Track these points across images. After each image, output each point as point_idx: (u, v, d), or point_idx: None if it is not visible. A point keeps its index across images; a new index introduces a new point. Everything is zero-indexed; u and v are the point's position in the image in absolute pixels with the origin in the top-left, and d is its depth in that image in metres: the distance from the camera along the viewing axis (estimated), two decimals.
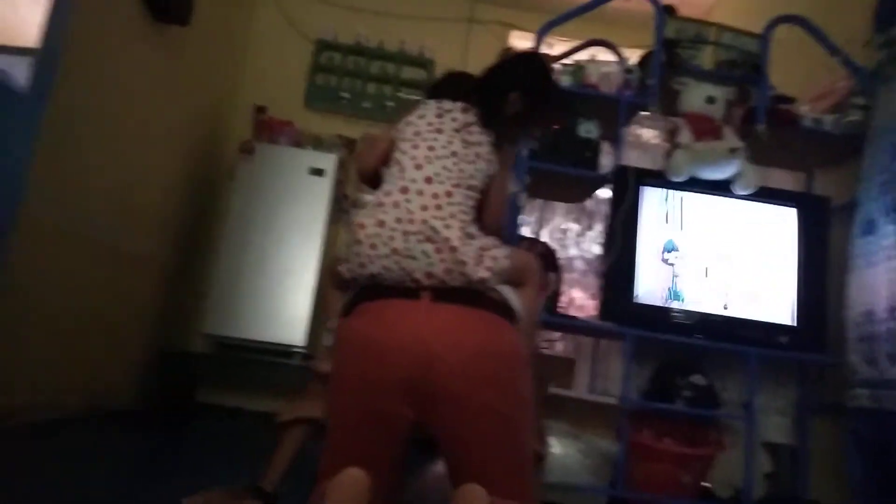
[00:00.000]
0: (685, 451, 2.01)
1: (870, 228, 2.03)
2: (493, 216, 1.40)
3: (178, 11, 3.10)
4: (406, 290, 1.21)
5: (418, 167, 1.29)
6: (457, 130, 1.34)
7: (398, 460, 1.26)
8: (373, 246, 1.23)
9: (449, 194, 1.25)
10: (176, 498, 1.57)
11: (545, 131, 2.24)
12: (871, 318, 1.97)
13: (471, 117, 1.38)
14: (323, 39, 4.35)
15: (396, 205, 1.25)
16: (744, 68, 2.31)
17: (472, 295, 1.22)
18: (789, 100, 2.36)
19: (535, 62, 1.57)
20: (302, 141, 3.90)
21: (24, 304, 2.31)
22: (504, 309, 1.26)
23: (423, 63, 4.36)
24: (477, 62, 4.41)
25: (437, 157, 1.30)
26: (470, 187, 1.30)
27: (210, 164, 4.01)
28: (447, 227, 1.21)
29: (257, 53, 4.39)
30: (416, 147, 1.32)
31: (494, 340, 1.21)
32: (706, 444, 2.07)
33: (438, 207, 1.23)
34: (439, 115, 1.37)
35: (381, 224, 1.23)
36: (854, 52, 2.34)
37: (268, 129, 3.87)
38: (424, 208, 1.23)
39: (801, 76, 2.64)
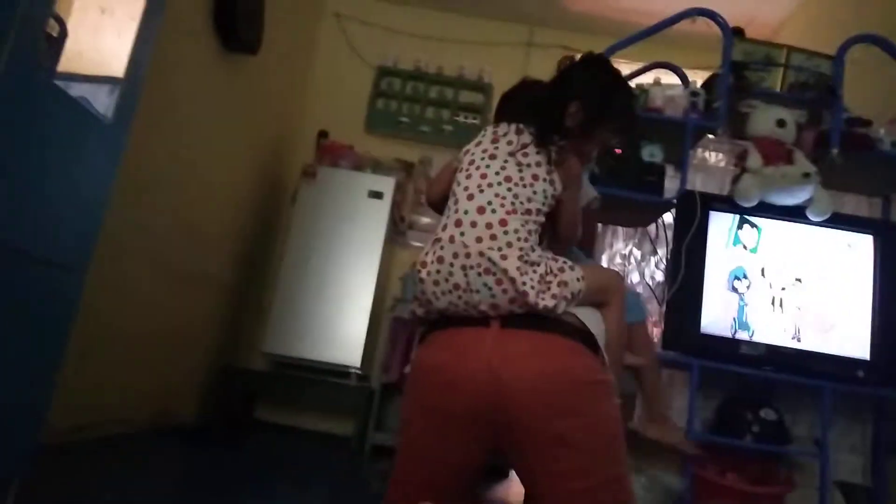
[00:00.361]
0: (752, 489, 1.92)
1: None
2: (567, 235, 1.38)
3: (248, 40, 3.23)
4: (475, 319, 1.19)
5: (470, 197, 1.25)
6: (511, 154, 1.29)
7: (465, 492, 1.24)
8: (436, 283, 1.22)
9: (503, 223, 1.21)
10: None
11: (607, 151, 2.21)
12: None
13: (526, 138, 1.31)
14: (384, 66, 4.44)
15: (452, 239, 1.22)
16: (816, 90, 2.23)
17: (542, 321, 1.18)
18: (865, 122, 2.26)
19: (593, 65, 1.41)
20: (362, 164, 3.97)
21: (98, 323, 2.42)
22: (580, 334, 1.20)
23: (481, 87, 4.39)
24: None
25: (490, 184, 1.26)
26: (527, 212, 1.24)
27: (274, 187, 4.14)
28: (504, 257, 1.18)
29: (321, 79, 4.53)
30: (469, 177, 1.29)
31: (568, 367, 1.16)
32: (775, 483, 1.96)
33: (493, 238, 1.19)
34: (494, 140, 1.33)
35: (441, 261, 1.22)
36: None
37: (329, 153, 3.96)
38: (479, 240, 1.20)
39: (877, 97, 2.53)
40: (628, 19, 4.15)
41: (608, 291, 1.29)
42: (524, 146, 1.30)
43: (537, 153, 1.29)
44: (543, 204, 1.27)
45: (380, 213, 3.69)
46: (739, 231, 2.14)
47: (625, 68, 2.97)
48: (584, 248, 1.70)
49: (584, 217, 1.44)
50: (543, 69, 4.40)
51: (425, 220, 4.23)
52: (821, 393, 1.97)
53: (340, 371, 3.53)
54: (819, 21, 3.60)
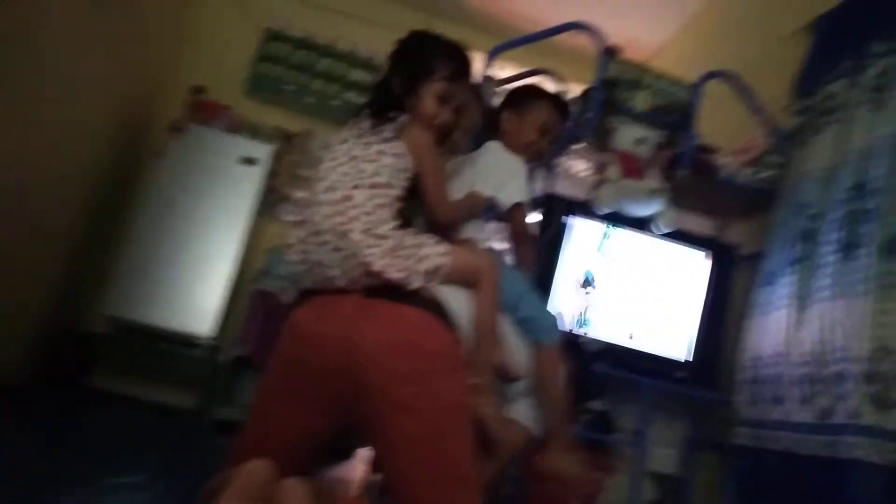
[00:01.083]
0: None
1: (770, 279, 2.17)
2: (433, 213, 1.39)
3: None
4: (340, 291, 1.25)
5: (322, 180, 1.31)
6: (358, 136, 1.35)
7: (305, 463, 1.25)
8: (300, 262, 1.28)
9: (348, 198, 1.24)
10: (51, 481, 1.47)
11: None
12: (760, 362, 2.09)
13: (368, 119, 1.38)
14: (273, 29, 4.27)
15: (308, 220, 1.28)
16: (675, 115, 2.42)
17: (398, 293, 1.23)
18: (712, 150, 2.49)
19: (404, 38, 1.49)
20: (237, 127, 3.80)
21: None
22: (435, 308, 1.25)
23: (372, 68, 4.34)
24: None
25: (337, 165, 1.31)
26: (374, 185, 1.26)
27: (139, 138, 3.84)
28: (349, 231, 1.22)
29: (203, 33, 4.26)
30: (322, 163, 1.35)
31: (414, 336, 1.21)
32: (599, 469, 2.12)
33: (340, 213, 1.23)
34: (349, 129, 1.40)
35: (302, 241, 1.28)
36: (775, 114, 2.50)
37: (203, 110, 3.75)
38: (328, 217, 1.25)
39: (728, 129, 2.80)
40: (521, 25, 4.29)
41: (478, 273, 1.33)
42: (369, 127, 1.36)
43: (381, 130, 1.34)
44: (393, 177, 1.29)
45: (251, 180, 3.55)
46: (594, 236, 2.29)
47: (509, 71, 3.07)
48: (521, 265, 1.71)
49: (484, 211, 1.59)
50: None
51: (303, 193, 4.13)
52: (642, 388, 2.16)
53: (188, 341, 3.35)
54: (692, 50, 3.92)
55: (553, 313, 1.61)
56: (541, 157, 1.82)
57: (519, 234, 1.70)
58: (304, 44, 4.28)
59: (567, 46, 3.73)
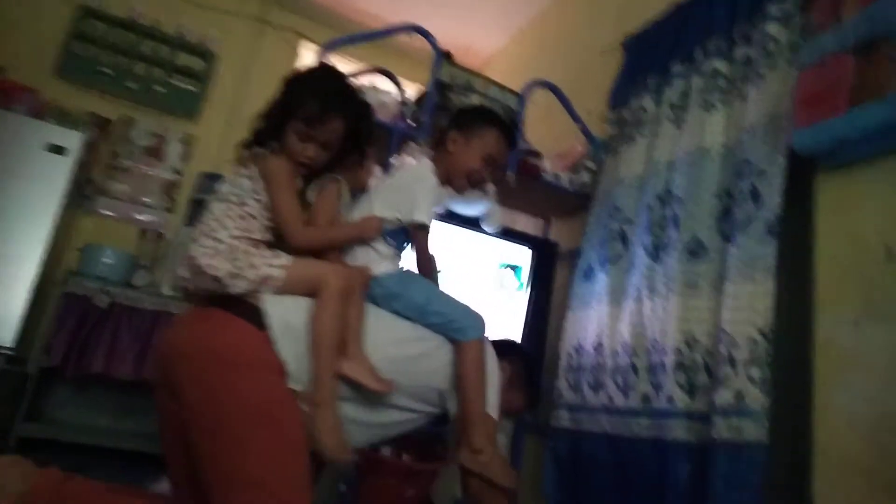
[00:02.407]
0: (409, 465, 2.11)
1: (588, 275, 2.37)
2: (285, 235, 1.39)
3: None
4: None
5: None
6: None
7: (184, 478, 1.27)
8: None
9: (210, 209, 1.36)
10: None
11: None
12: (580, 351, 2.28)
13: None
14: (88, 5, 3.87)
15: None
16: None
17: (217, 296, 1.27)
18: (537, 154, 2.67)
19: (293, 74, 1.50)
20: (43, 112, 3.39)
21: None
22: (249, 312, 1.26)
23: (203, 53, 4.10)
24: (265, 66, 4.32)
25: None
26: (227, 200, 1.37)
27: None
28: (196, 237, 1.32)
29: (4, 5, 3.75)
30: None
31: (203, 336, 1.22)
32: (432, 459, 2.19)
33: (200, 222, 1.36)
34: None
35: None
36: (592, 123, 2.74)
37: (1, 92, 3.30)
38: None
39: (551, 135, 3.01)
40: (361, 20, 4.28)
41: (318, 285, 1.32)
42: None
43: (246, 154, 1.44)
44: (245, 194, 1.37)
45: (60, 171, 3.18)
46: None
47: (347, 68, 3.04)
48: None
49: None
50: (274, 49, 4.32)
51: (121, 186, 3.80)
52: None
53: None
54: (521, 60, 4.16)
55: (473, 311, 1.54)
56: (478, 186, 1.77)
57: (421, 254, 1.65)
58: (124, 23, 3.93)
59: (406, 47, 3.80)
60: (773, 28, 1.90)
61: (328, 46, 2.28)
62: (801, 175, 1.75)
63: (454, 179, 1.70)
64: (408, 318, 1.50)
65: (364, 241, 1.54)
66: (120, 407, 3.42)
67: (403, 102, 2.40)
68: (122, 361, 3.10)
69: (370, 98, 2.30)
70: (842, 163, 1.66)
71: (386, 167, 2.42)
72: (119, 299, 3.17)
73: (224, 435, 1.15)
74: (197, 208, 3.46)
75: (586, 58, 3.19)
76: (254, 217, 1.37)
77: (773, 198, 1.72)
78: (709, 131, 2.05)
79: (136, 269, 3.38)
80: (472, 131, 1.71)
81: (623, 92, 2.63)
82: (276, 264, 1.33)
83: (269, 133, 1.42)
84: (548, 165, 2.63)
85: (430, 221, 1.57)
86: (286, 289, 1.32)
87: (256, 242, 1.36)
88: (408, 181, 1.62)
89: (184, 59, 4.06)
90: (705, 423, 1.68)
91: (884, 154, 1.57)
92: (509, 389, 1.77)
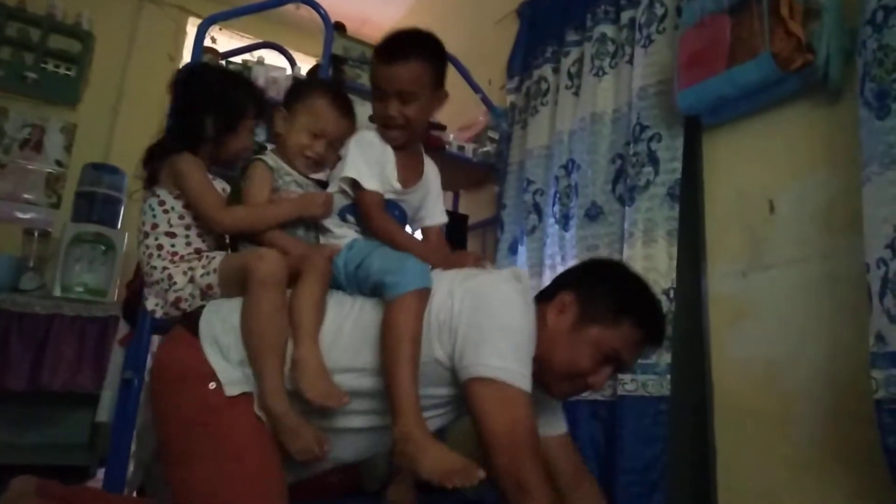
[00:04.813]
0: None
1: (512, 249, 2.37)
2: (205, 218, 1.33)
3: None
4: None
5: None
6: None
7: None
8: None
9: (142, 261, 1.37)
10: None
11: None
12: None
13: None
14: None
15: None
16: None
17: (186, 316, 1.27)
18: (441, 127, 2.63)
19: None
20: None
21: None
22: (191, 322, 1.22)
23: (77, 34, 3.78)
24: (146, 45, 4.05)
25: None
26: (143, 238, 1.35)
27: None
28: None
29: None
30: None
31: (157, 355, 1.23)
32: None
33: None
34: None
35: None
36: (493, 93, 2.73)
37: None
38: None
39: (453, 109, 2.98)
40: None
41: (243, 273, 1.20)
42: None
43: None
44: (152, 217, 1.36)
45: None
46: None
47: (234, 42, 2.89)
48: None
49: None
50: (156, 26, 4.05)
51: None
52: None
53: None
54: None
55: (411, 263, 1.19)
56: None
57: (369, 222, 1.38)
58: None
59: (300, 20, 3.65)
60: None
61: (210, 21, 2.14)
62: (691, 134, 1.80)
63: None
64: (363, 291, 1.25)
65: (314, 220, 1.37)
66: (17, 421, 3.19)
67: (296, 78, 2.30)
68: (16, 372, 2.88)
69: (259, 74, 2.20)
70: (724, 121, 1.72)
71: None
72: (6, 305, 2.93)
73: (170, 452, 1.15)
74: (84, 202, 3.22)
75: (484, 27, 3.16)
76: (174, 234, 1.32)
77: (672, 162, 1.77)
78: (601, 97, 2.08)
79: (22, 271, 3.12)
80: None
81: (521, 60, 2.63)
82: (212, 268, 1.26)
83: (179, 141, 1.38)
84: (451, 138, 2.60)
85: (365, 179, 1.30)
86: (224, 290, 1.24)
87: (193, 254, 1.31)
88: (347, 145, 1.39)
89: (57, 42, 3.73)
90: (612, 381, 1.73)
91: (762, 110, 1.64)
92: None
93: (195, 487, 1.10)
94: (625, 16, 2.06)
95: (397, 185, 1.36)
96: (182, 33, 4.15)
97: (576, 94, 2.22)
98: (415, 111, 1.33)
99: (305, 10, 2.34)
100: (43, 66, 3.66)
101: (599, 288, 1.22)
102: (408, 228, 1.48)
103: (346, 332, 1.19)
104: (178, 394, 1.16)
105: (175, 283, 1.26)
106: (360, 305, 1.22)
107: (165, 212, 1.33)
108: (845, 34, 1.46)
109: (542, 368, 1.16)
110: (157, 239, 1.31)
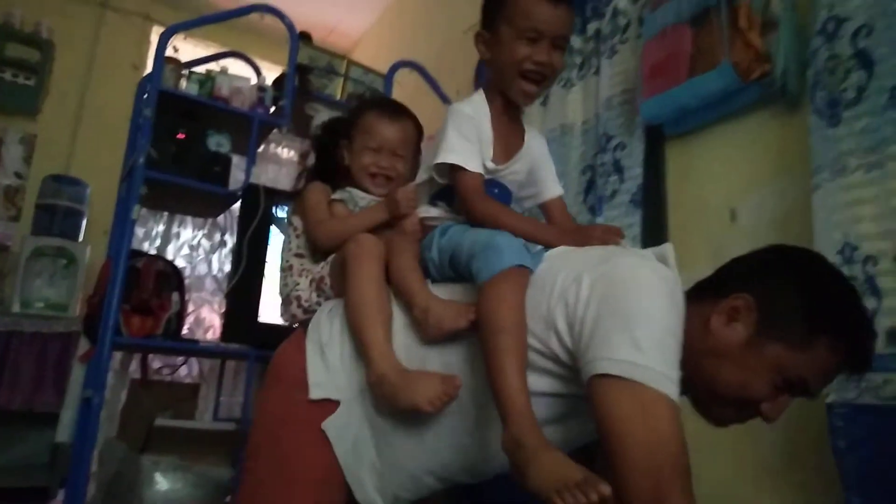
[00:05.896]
0: None
1: None
2: (308, 233, 1.36)
3: None
4: None
5: None
6: None
7: None
8: None
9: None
10: None
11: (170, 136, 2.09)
12: None
13: None
14: None
15: None
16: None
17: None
18: None
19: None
20: None
21: None
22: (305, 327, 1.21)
23: (37, 43, 3.69)
24: (109, 54, 3.98)
25: None
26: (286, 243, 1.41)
27: None
28: None
29: None
30: None
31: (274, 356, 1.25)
32: None
33: None
34: None
35: None
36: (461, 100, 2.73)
37: None
38: None
39: (423, 118, 2.97)
40: (218, 1, 4.03)
41: (346, 261, 1.17)
42: None
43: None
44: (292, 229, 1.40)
45: None
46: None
47: (200, 51, 2.85)
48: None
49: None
50: (120, 35, 3.98)
51: None
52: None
53: None
54: (389, 41, 4.08)
55: (498, 240, 1.01)
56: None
57: (463, 204, 1.21)
58: None
59: (266, 28, 3.62)
60: (621, 2, 1.96)
61: (171, 30, 2.11)
62: (655, 143, 1.82)
63: (509, 89, 1.16)
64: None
65: (402, 219, 1.24)
66: None
67: (261, 88, 2.28)
68: None
69: (223, 84, 2.18)
70: (686, 130, 1.74)
71: (248, 158, 2.30)
72: None
73: (248, 442, 1.12)
74: (45, 215, 3.14)
75: (451, 37, 3.17)
76: (302, 255, 1.35)
77: (634, 169, 1.79)
78: (570, 109, 2.09)
79: None
80: (495, 14, 1.18)
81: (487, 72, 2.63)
82: (326, 263, 1.28)
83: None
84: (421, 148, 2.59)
85: (465, 160, 1.11)
86: (334, 283, 1.24)
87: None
88: (440, 129, 1.21)
89: (15, 51, 3.62)
90: None
91: (723, 120, 1.66)
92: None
93: (245, 487, 1.11)
94: (591, 27, 2.08)
95: (490, 164, 1.16)
96: (146, 42, 4.08)
97: (544, 105, 2.24)
98: (561, 62, 1.14)
99: (271, 19, 2.32)
100: (0, 74, 3.57)
101: (788, 293, 0.91)
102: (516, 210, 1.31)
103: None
104: (269, 389, 1.14)
105: (298, 284, 1.29)
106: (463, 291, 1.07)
107: (297, 236, 1.36)
108: (801, 45, 1.49)
109: (696, 385, 0.93)
110: (288, 260, 1.35)
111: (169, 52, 2.14)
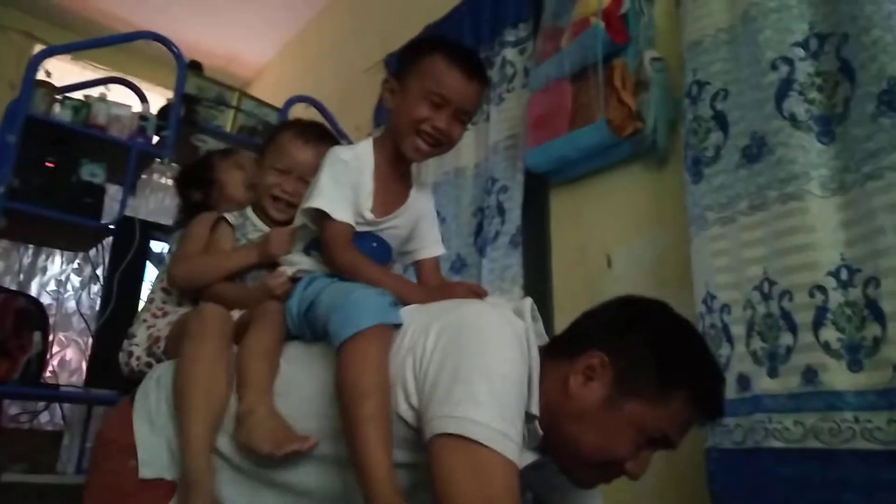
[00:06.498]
0: None
1: None
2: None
3: None
4: None
5: None
6: None
7: None
8: None
9: None
10: None
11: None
12: None
13: None
14: None
15: None
16: (264, 136, 2.44)
17: None
18: None
19: None
20: None
21: None
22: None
23: None
24: None
25: None
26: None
27: None
28: None
29: None
30: None
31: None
32: None
33: None
34: None
35: None
36: (361, 140, 2.71)
37: None
38: None
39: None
40: (109, 24, 3.84)
41: (184, 333, 1.05)
42: None
43: None
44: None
45: None
46: None
47: (87, 73, 2.69)
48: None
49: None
50: (2, 54, 3.71)
51: None
52: None
53: None
54: (291, 73, 4.03)
55: (359, 295, 0.96)
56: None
57: (328, 255, 1.16)
58: None
59: (159, 54, 3.48)
60: (509, 53, 2.03)
61: (44, 54, 1.98)
62: (539, 190, 1.88)
63: (402, 143, 1.11)
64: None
65: (273, 260, 1.16)
66: None
67: (143, 116, 2.17)
68: None
69: (100, 112, 2.06)
70: (568, 179, 1.81)
71: (124, 190, 2.17)
72: None
73: None
74: None
75: (352, 74, 3.17)
76: (168, 291, 1.26)
77: (514, 211, 1.84)
78: (464, 152, 2.13)
79: None
80: (409, 68, 1.12)
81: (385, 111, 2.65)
82: (168, 321, 1.18)
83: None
84: None
85: (333, 207, 1.05)
86: (170, 348, 1.12)
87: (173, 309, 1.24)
88: (319, 170, 1.14)
89: None
90: None
91: (600, 171, 1.75)
92: None
93: None
94: None
95: (368, 215, 1.11)
96: (26, 60, 3.81)
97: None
98: (459, 135, 1.12)
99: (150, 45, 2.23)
100: None
101: (639, 348, 0.90)
102: (397, 267, 1.30)
103: (299, 383, 0.98)
104: (99, 461, 1.02)
105: (135, 336, 1.18)
106: (321, 352, 0.99)
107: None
108: (671, 105, 1.60)
109: (560, 450, 0.91)
110: (153, 292, 1.26)
111: (42, 76, 2.01)
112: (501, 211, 1.88)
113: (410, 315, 0.95)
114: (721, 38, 1.41)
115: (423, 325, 0.89)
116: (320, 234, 1.08)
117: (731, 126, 1.37)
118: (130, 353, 1.17)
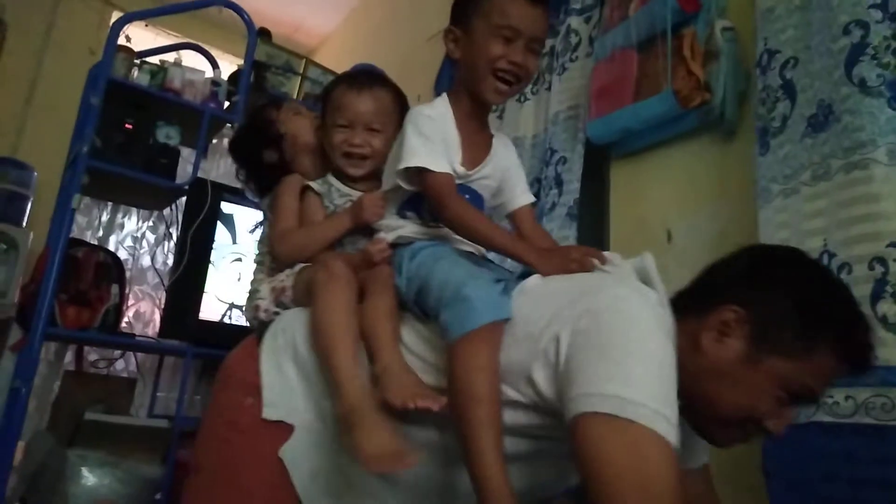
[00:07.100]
0: None
1: None
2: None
3: None
4: None
5: None
6: None
7: None
8: None
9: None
10: None
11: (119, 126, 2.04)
12: None
13: None
14: None
15: None
16: None
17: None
18: None
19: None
20: None
21: None
22: (263, 330, 1.11)
23: None
24: (65, 36, 3.87)
25: None
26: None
27: None
28: None
29: None
30: None
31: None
32: None
33: None
34: None
35: None
36: None
37: None
38: None
39: None
40: None
41: (313, 285, 1.09)
42: None
43: None
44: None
45: None
46: (249, 221, 2.24)
47: (161, 39, 2.79)
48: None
49: None
50: (76, 17, 3.89)
51: None
52: None
53: None
54: (355, 41, 4.07)
55: (472, 290, 0.90)
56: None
57: (439, 211, 1.14)
58: None
59: (228, 21, 3.58)
60: (574, 21, 2.00)
61: (124, 20, 2.08)
62: (599, 162, 1.87)
63: (480, 87, 1.09)
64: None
65: (370, 227, 1.17)
66: None
67: (215, 82, 2.25)
68: None
69: (175, 76, 2.15)
70: (630, 151, 1.79)
71: (197, 153, 2.27)
72: None
73: (195, 448, 1.07)
74: None
75: (414, 43, 3.18)
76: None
77: (572, 183, 1.83)
78: (522, 122, 2.13)
79: None
80: (470, 11, 1.09)
81: (449, 80, 2.65)
82: (292, 272, 1.17)
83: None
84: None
85: (430, 161, 1.03)
86: (296, 297, 1.14)
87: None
88: (399, 134, 1.13)
89: None
90: None
91: (664, 143, 1.72)
92: None
93: (193, 484, 1.03)
94: (547, 44, 2.12)
95: (459, 168, 1.09)
96: (105, 27, 3.97)
97: (500, 117, 2.27)
98: (535, 66, 1.09)
99: (228, 12, 2.30)
100: None
101: (779, 301, 0.84)
102: None
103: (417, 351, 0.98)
104: (220, 391, 1.07)
105: (259, 291, 1.19)
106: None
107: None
108: (741, 76, 1.55)
109: (696, 409, 0.85)
110: (262, 254, 1.28)
111: (122, 41, 2.11)
112: (559, 182, 1.88)
113: (533, 300, 0.89)
114: (795, 4, 1.36)
115: (551, 311, 0.84)
116: (424, 190, 1.05)
117: (799, 94, 1.32)
118: (257, 307, 1.17)
